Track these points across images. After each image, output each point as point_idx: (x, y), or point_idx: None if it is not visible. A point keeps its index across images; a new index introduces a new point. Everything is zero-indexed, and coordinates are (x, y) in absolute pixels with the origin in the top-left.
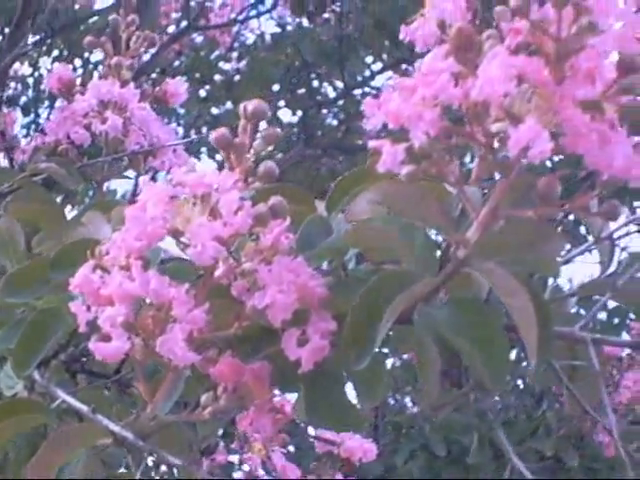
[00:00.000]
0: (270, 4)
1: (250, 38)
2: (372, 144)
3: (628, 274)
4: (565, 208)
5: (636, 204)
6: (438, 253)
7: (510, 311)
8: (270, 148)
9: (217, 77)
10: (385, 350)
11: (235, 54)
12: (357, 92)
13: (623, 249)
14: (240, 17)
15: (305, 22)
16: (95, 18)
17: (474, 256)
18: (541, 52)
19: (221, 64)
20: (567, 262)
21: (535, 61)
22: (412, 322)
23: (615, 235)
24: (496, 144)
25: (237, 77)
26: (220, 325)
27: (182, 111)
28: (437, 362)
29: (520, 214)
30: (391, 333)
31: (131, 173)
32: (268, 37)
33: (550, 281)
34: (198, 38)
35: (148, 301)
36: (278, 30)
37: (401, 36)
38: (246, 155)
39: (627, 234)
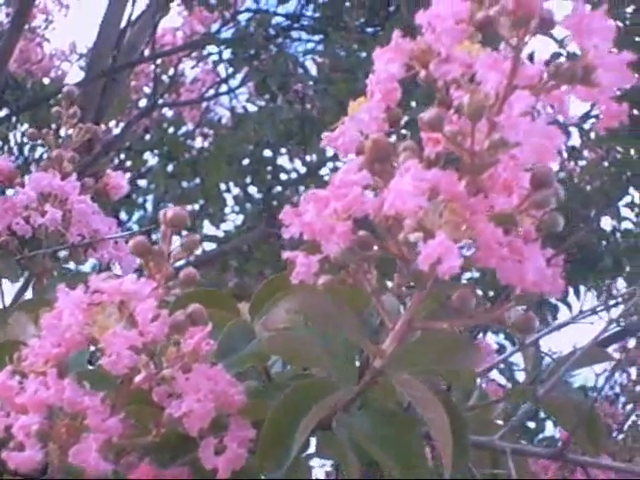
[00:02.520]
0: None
1: (220, 112)
2: (286, 255)
3: (551, 382)
4: (481, 320)
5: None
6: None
7: (426, 422)
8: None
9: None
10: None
11: (204, 130)
12: (324, 171)
13: (547, 355)
14: (209, 93)
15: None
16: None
17: (390, 366)
18: (461, 162)
19: (189, 141)
20: (490, 369)
21: (448, 174)
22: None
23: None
24: (413, 254)
25: (205, 153)
26: (142, 431)
27: (151, 186)
28: (357, 469)
29: (435, 326)
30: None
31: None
32: (235, 114)
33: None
34: (168, 112)
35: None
36: (241, 111)
37: (322, 144)
38: (165, 262)
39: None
